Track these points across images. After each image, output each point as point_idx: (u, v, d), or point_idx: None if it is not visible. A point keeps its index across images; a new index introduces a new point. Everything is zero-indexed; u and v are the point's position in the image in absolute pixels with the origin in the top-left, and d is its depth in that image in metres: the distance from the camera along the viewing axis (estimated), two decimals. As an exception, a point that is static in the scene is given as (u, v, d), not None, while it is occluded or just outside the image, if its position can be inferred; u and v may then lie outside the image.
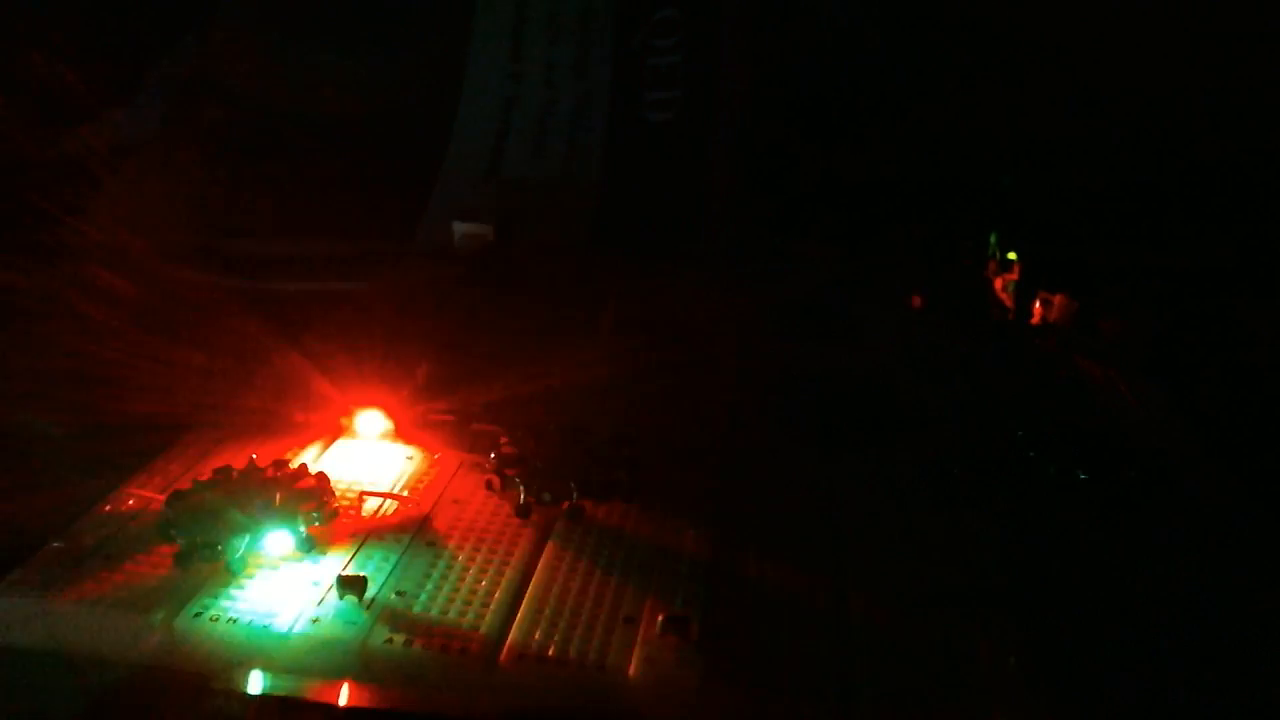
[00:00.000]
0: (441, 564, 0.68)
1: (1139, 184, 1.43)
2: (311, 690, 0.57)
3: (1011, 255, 1.23)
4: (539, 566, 0.68)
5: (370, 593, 0.64)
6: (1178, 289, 1.25)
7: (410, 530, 0.72)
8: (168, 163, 1.60)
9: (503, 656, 0.59)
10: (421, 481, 0.79)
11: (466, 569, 0.67)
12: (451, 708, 0.57)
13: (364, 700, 0.57)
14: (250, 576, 0.66)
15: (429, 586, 0.65)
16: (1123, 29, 1.44)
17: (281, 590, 0.64)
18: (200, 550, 0.66)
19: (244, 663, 0.59)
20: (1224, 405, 0.99)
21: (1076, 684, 0.59)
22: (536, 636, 0.61)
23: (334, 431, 0.87)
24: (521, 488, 0.75)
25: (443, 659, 0.59)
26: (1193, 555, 0.72)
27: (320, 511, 0.71)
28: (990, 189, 1.43)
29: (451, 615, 0.63)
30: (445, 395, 0.92)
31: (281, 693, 0.57)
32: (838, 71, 1.56)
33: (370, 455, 0.83)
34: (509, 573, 0.67)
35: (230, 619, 0.62)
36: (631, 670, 0.58)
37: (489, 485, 0.78)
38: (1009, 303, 1.21)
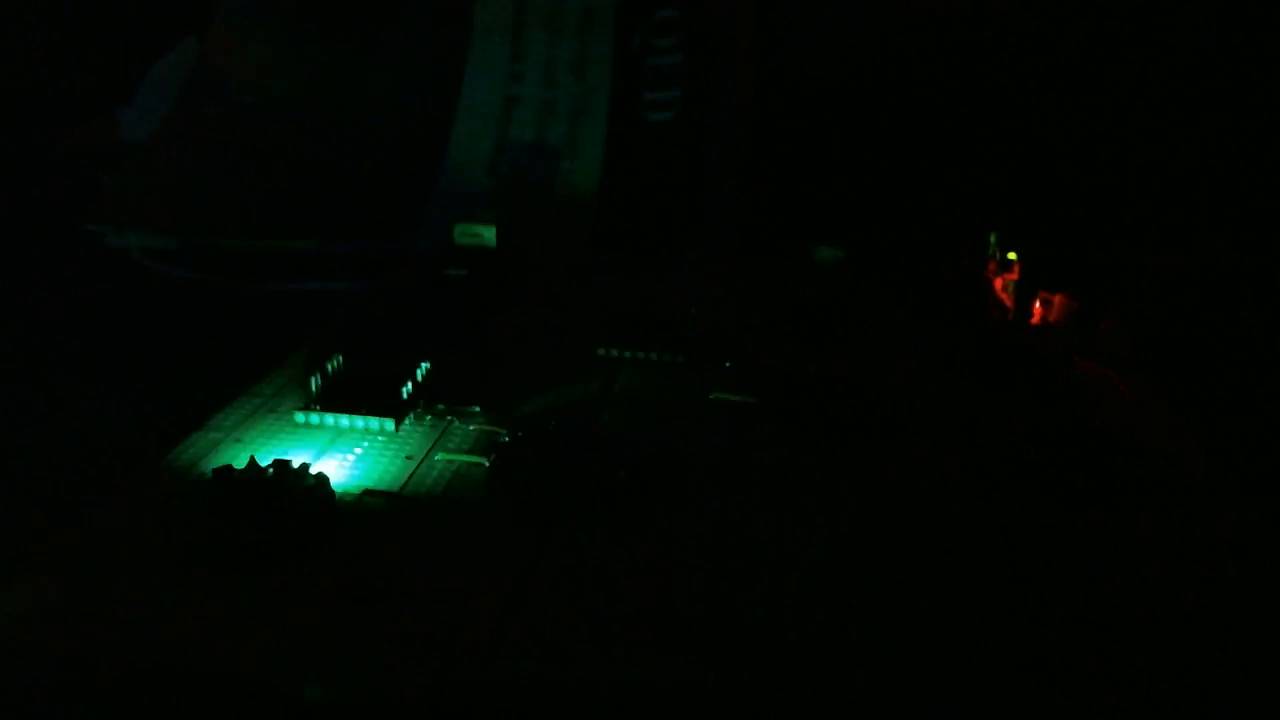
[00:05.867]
0: (442, 564, 0.68)
1: (1139, 183, 1.43)
2: (313, 690, 0.57)
3: (1011, 255, 1.23)
4: (539, 568, 0.68)
5: (371, 590, 0.64)
6: (1178, 289, 1.25)
7: (410, 530, 0.72)
8: (168, 163, 1.60)
9: (503, 656, 0.59)
10: (422, 481, 0.79)
11: (466, 569, 0.67)
12: (452, 707, 0.57)
13: (364, 700, 0.57)
14: (251, 575, 0.66)
15: (428, 586, 0.65)
16: (1122, 28, 1.44)
17: (282, 589, 0.65)
18: (202, 549, 0.66)
19: (245, 662, 0.59)
20: (1224, 405, 0.99)
21: (1076, 683, 0.59)
22: (537, 636, 0.61)
23: (334, 432, 0.87)
24: (522, 488, 0.75)
25: (443, 658, 0.59)
26: (1193, 555, 0.72)
27: (321, 511, 0.71)
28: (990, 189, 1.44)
29: (452, 615, 0.63)
30: (446, 395, 0.92)
31: (283, 693, 0.57)
32: (837, 71, 1.56)
33: (370, 455, 0.83)
34: (509, 573, 0.67)
35: (232, 618, 0.62)
36: (631, 670, 0.58)
37: (489, 485, 0.78)
38: (1009, 303, 1.21)
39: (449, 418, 0.89)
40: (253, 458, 0.76)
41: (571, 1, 1.62)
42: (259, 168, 1.59)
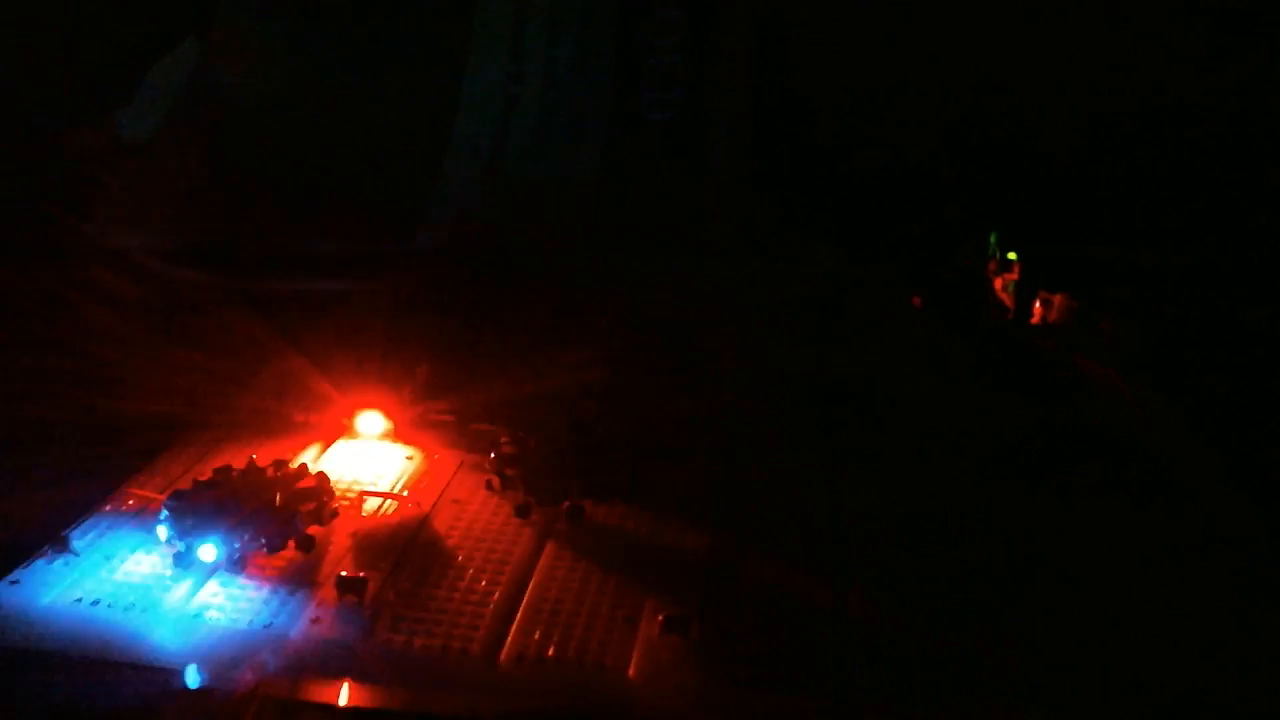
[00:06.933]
0: (441, 564, 0.68)
1: (1139, 183, 1.43)
2: (311, 690, 0.57)
3: (1011, 255, 1.23)
4: (539, 566, 0.68)
5: (370, 593, 0.64)
6: (1178, 289, 1.25)
7: (410, 530, 0.72)
8: (168, 163, 1.60)
9: (503, 656, 0.59)
10: (421, 481, 0.79)
11: (466, 569, 0.67)
12: (451, 708, 0.57)
13: (364, 700, 0.57)
14: (250, 577, 0.66)
15: (429, 586, 0.65)
16: (1122, 27, 1.44)
17: (281, 590, 0.65)
18: (200, 550, 0.66)
19: (244, 663, 0.59)
20: (1224, 405, 0.99)
21: (1076, 684, 0.59)
22: (536, 637, 0.61)
23: (334, 431, 0.87)
24: (522, 488, 0.75)
25: (443, 659, 0.59)
26: (1193, 555, 0.72)
27: (320, 511, 0.71)
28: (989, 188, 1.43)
29: (451, 615, 0.63)
30: (445, 395, 0.92)
31: (281, 693, 0.57)
32: (837, 70, 1.56)
33: (370, 455, 0.83)
34: (509, 572, 0.67)
35: (230, 619, 0.62)
36: (631, 670, 0.58)
37: (489, 485, 0.78)
38: (1009, 303, 1.21)
39: (449, 417, 0.89)
40: (252, 458, 0.76)
41: (571, 2, 1.61)
42: (259, 168, 1.59)
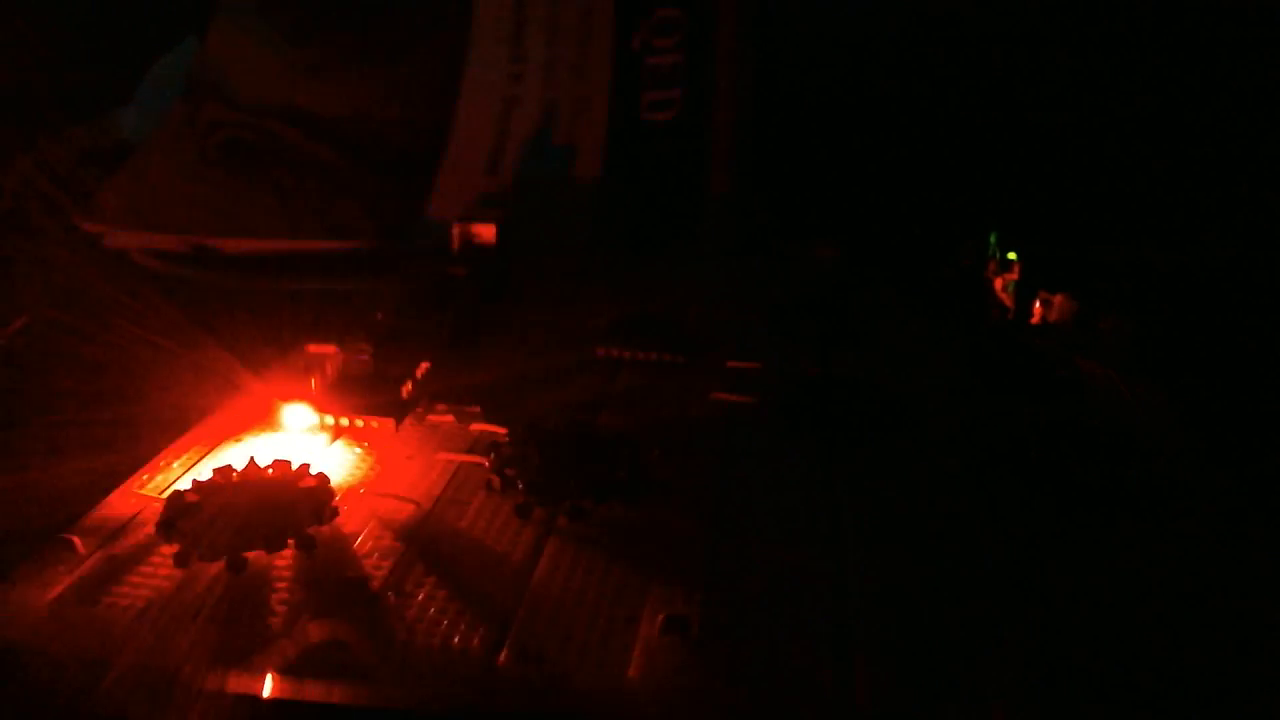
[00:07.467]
0: (441, 564, 0.68)
1: (1139, 183, 1.43)
2: (311, 690, 0.57)
3: (1011, 255, 1.23)
4: (539, 566, 0.68)
5: (370, 592, 0.64)
6: (1178, 289, 1.25)
7: (410, 530, 0.72)
8: (168, 163, 1.60)
9: (503, 656, 0.59)
10: (421, 481, 0.79)
11: (466, 569, 0.67)
12: (451, 708, 0.57)
13: (364, 700, 0.57)
14: (250, 576, 0.66)
15: (429, 586, 0.65)
16: (1123, 27, 1.44)
17: (281, 589, 0.64)
18: (200, 550, 0.66)
19: (244, 663, 0.59)
20: (1224, 405, 0.99)
21: (1076, 683, 0.59)
22: (536, 637, 0.61)
23: (334, 431, 0.87)
24: (522, 488, 0.75)
25: (443, 659, 0.59)
26: (1193, 555, 0.72)
27: (320, 511, 0.71)
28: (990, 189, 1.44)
29: (451, 615, 0.63)
30: (445, 395, 0.92)
31: (282, 693, 0.57)
32: (838, 71, 1.56)
33: (370, 455, 0.83)
34: (509, 573, 0.67)
35: (230, 619, 0.62)
36: (631, 670, 0.58)
37: (489, 485, 0.78)
38: (1009, 303, 1.21)
39: (449, 417, 0.89)
40: (252, 458, 0.76)
41: (571, 2, 1.62)
42: (259, 168, 1.59)
